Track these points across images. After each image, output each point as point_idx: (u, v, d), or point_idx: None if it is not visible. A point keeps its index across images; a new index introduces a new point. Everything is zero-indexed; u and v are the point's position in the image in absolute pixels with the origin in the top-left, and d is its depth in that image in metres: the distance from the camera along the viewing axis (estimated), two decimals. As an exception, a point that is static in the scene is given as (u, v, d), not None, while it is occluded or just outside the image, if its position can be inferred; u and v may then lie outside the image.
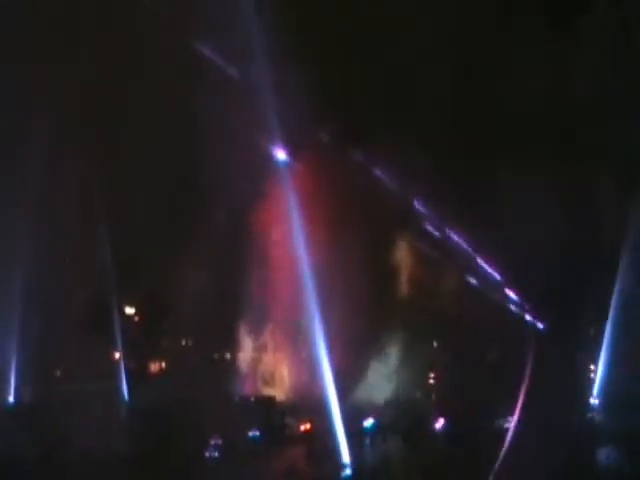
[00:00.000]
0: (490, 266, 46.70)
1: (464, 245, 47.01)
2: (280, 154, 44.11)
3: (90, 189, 46.20)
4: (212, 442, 39.88)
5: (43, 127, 44.89)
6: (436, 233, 47.40)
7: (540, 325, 45.73)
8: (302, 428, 43.81)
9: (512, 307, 46.62)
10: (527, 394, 41.20)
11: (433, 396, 46.84)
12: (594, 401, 44.12)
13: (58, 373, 47.59)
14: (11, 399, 45.52)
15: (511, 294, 46.68)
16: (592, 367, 44.89)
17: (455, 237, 47.20)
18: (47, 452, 36.77)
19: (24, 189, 45.78)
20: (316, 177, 43.95)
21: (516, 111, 42.98)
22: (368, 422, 43.86)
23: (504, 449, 37.14)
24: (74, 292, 48.54)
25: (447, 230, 47.18)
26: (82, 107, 43.46)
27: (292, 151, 44.34)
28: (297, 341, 47.16)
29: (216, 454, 39.63)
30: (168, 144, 43.32)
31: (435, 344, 47.71)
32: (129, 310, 51.82)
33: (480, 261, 46.90)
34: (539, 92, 42.40)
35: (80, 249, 46.00)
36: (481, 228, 44.33)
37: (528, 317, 46.19)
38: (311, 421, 43.39)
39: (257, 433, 42.50)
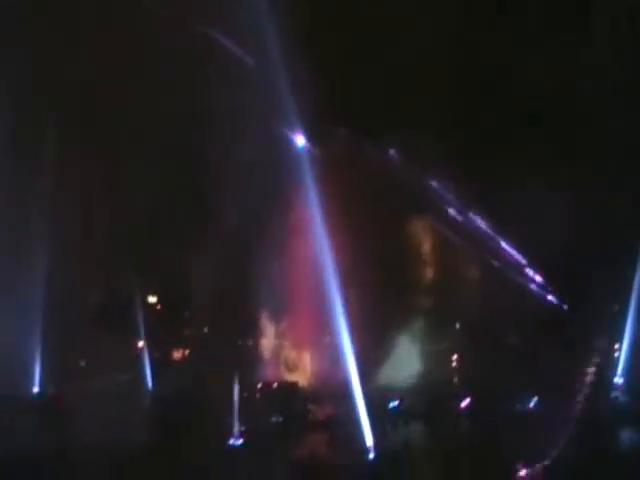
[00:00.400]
0: (511, 249, 46.55)
1: (485, 229, 46.90)
2: (300, 144, 44.17)
3: (108, 181, 46.39)
4: (235, 429, 39.83)
5: (54, 123, 45.15)
6: (457, 217, 47.35)
7: (562, 306, 45.52)
8: (324, 413, 43.96)
9: (534, 289, 46.45)
10: (550, 375, 41.02)
11: (455, 379, 46.88)
12: (618, 380, 43.90)
13: (82, 364, 47.90)
14: (35, 390, 45.97)
15: (533, 276, 46.51)
16: (616, 347, 44.67)
17: (476, 221, 47.08)
18: (71, 443, 36.79)
19: (41, 184, 46.18)
20: (336, 166, 43.96)
21: (537, 95, 42.76)
22: (391, 406, 44.04)
23: (527, 432, 36.85)
24: (96, 283, 49.03)
25: (468, 214, 47.08)
26: (95, 103, 43.64)
27: (312, 142, 44.41)
28: (319, 327, 47.17)
29: (239, 441, 39.67)
30: (187, 135, 43.39)
31: (457, 327, 47.69)
32: (151, 299, 52.15)
33: (502, 244, 46.76)
34: (558, 76, 42.11)
35: (101, 240, 46.26)
36: (502, 211, 44.17)
37: (550, 299, 46.00)
38: (333, 406, 43.50)
39: (280, 419, 42.57)
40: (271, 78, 41.54)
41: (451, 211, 47.26)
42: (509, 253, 46.67)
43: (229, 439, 39.82)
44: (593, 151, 42.11)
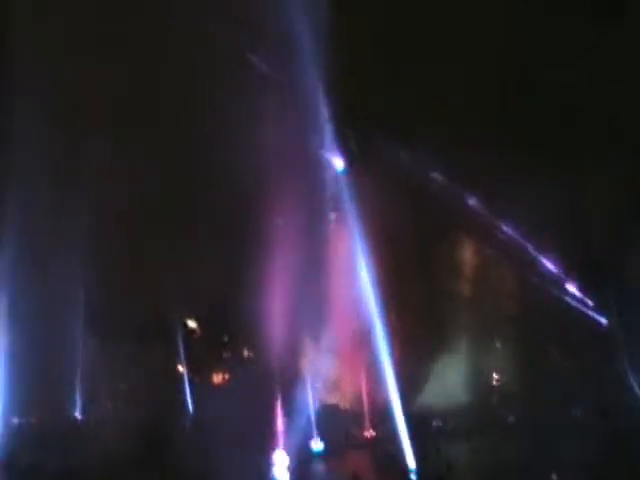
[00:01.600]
0: (551, 262, 46.01)
1: (523, 241, 46.40)
2: (338, 165, 44.10)
3: (149, 203, 46.62)
4: (276, 454, 39.46)
5: (95, 142, 45.49)
6: (495, 230, 46.86)
7: (603, 320, 44.82)
8: (366, 435, 43.59)
9: (575, 304, 45.80)
10: (592, 390, 40.42)
11: (497, 397, 46.35)
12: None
13: (123, 387, 48.12)
14: (78, 415, 46.16)
15: (573, 290, 45.90)
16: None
17: (514, 233, 46.60)
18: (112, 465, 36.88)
19: (81, 204, 46.46)
20: (370, 180, 43.74)
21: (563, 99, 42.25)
22: (433, 425, 43.65)
23: (575, 447, 36.22)
24: (136, 307, 49.23)
25: (506, 227, 46.60)
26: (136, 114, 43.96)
27: (344, 155, 44.29)
28: (359, 346, 46.90)
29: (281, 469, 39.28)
30: (223, 154, 43.44)
31: (498, 344, 47.20)
32: (191, 324, 52.29)
33: (540, 257, 46.24)
34: (585, 81, 41.58)
35: (141, 265, 46.45)
36: (539, 223, 43.72)
37: (590, 313, 45.35)
38: (375, 427, 43.18)
39: (320, 442, 42.26)
40: (309, 98, 41.72)
41: (489, 224, 46.82)
42: (549, 266, 46.14)
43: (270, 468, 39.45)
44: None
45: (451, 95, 43.07)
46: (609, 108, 41.43)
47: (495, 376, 47.24)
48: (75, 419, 46.18)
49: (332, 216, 45.21)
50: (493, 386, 47.06)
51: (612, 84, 41.11)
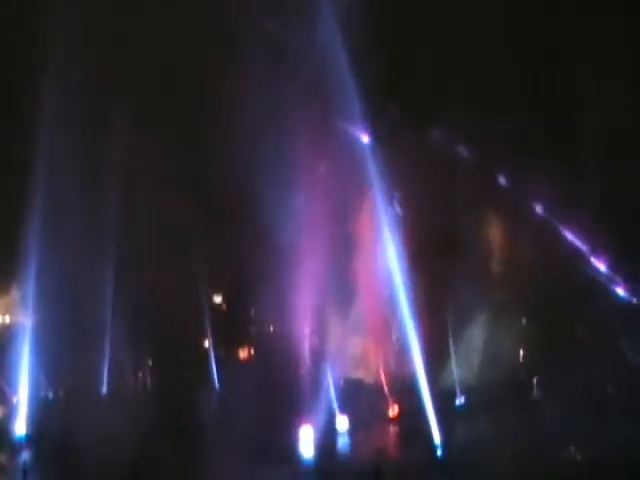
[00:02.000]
0: (579, 238, 45.68)
1: (551, 217, 46.07)
2: (364, 140, 43.88)
3: (178, 185, 46.80)
4: (302, 429, 39.53)
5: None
6: (523, 206, 46.54)
7: (632, 297, 44.50)
8: (391, 410, 43.62)
9: (602, 280, 45.48)
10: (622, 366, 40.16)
11: (522, 373, 46.19)
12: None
13: (150, 362, 48.42)
14: (104, 390, 46.47)
15: (601, 266, 45.57)
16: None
17: (542, 209, 46.27)
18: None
19: (111, 189, 46.70)
20: (397, 158, 43.53)
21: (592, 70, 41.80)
22: (458, 400, 43.65)
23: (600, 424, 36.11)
24: (163, 283, 49.40)
25: (534, 202, 46.28)
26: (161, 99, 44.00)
27: (371, 133, 44.06)
28: (385, 322, 46.89)
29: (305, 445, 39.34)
30: (249, 133, 43.43)
31: (524, 320, 46.98)
32: (217, 299, 52.45)
33: (568, 232, 45.92)
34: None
35: (169, 241, 46.58)
36: (568, 200, 43.38)
37: (619, 289, 45.02)
38: (400, 403, 43.19)
39: (346, 418, 42.29)
40: (334, 74, 41.53)
41: (519, 200, 46.51)
42: (577, 243, 45.81)
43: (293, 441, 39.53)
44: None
45: (481, 71, 42.84)
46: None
47: (522, 352, 47.08)
48: (101, 393, 46.45)
49: (361, 192, 44.95)
50: (520, 362, 46.86)
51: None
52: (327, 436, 40.05)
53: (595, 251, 45.43)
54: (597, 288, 44.76)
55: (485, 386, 43.88)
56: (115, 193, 46.50)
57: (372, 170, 41.95)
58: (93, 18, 42.51)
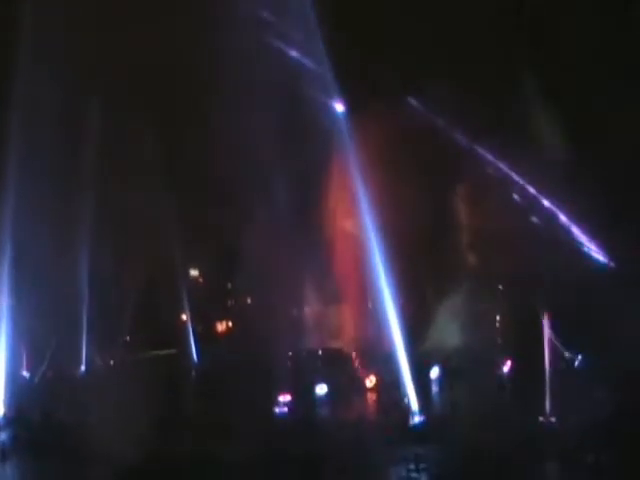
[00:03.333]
0: (557, 208, 45.84)
1: (529, 189, 46.18)
2: (338, 110, 43.71)
3: (154, 165, 46.73)
4: (281, 398, 39.92)
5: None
6: (502, 178, 46.61)
7: (610, 265, 44.69)
8: (370, 379, 43.93)
9: (581, 249, 45.67)
10: (598, 337, 40.38)
11: (499, 340, 46.50)
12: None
13: (127, 339, 48.44)
14: (83, 368, 46.50)
15: (578, 235, 45.77)
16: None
17: (522, 182, 46.35)
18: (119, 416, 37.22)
19: (87, 167, 46.55)
20: (374, 127, 43.46)
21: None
22: (435, 370, 43.96)
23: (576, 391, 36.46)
24: (138, 259, 49.39)
25: (514, 176, 46.35)
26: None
27: (349, 102, 43.89)
28: (362, 293, 47.08)
29: (285, 409, 39.77)
30: (227, 108, 43.21)
31: (500, 288, 47.25)
32: (193, 272, 52.45)
33: (546, 204, 46.07)
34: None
35: (144, 215, 46.53)
36: (547, 170, 43.49)
37: (598, 258, 45.23)
38: (378, 372, 43.48)
39: (325, 386, 42.60)
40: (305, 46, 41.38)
41: (494, 172, 46.58)
42: (555, 212, 45.96)
43: (275, 408, 39.90)
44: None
45: (460, 41, 42.75)
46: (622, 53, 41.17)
47: (497, 319, 47.41)
48: (79, 372, 46.47)
49: (334, 165, 44.92)
50: (496, 329, 47.17)
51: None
52: (306, 403, 40.51)
53: (576, 221, 45.60)
54: (576, 255, 45.03)
55: (462, 355, 44.25)
56: (90, 174, 46.43)
57: (348, 145, 41.89)
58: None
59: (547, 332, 37.98)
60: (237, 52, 41.68)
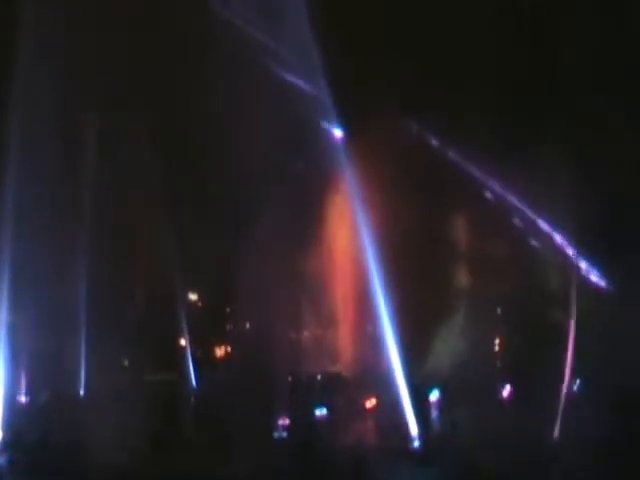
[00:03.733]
0: (552, 228, 45.92)
1: (527, 210, 46.27)
2: (337, 135, 43.91)
3: (154, 178, 46.73)
4: (280, 422, 39.81)
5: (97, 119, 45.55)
6: (498, 198, 46.72)
7: (606, 287, 44.72)
8: (369, 403, 43.77)
9: (578, 271, 45.70)
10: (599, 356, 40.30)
11: (499, 363, 46.37)
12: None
13: (126, 363, 48.22)
14: (82, 391, 46.28)
15: (576, 257, 45.79)
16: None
17: (518, 202, 46.46)
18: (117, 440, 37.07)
19: (84, 180, 46.53)
20: (372, 151, 43.63)
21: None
22: (434, 394, 43.81)
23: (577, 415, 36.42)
24: (137, 282, 49.32)
25: (510, 195, 46.46)
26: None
27: (348, 131, 44.10)
28: (360, 316, 47.03)
29: (285, 434, 39.66)
30: (223, 132, 43.33)
31: (499, 311, 47.18)
32: (192, 296, 52.29)
33: (541, 223, 46.15)
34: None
35: (142, 239, 46.53)
36: (544, 192, 43.57)
37: (593, 279, 45.27)
38: (377, 396, 43.34)
39: (324, 410, 42.44)
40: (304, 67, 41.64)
41: (495, 193, 46.68)
42: (551, 233, 46.02)
43: (274, 433, 39.77)
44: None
45: (453, 61, 42.95)
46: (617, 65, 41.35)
47: (497, 342, 47.29)
48: (78, 395, 46.22)
49: (332, 188, 45.05)
50: (495, 353, 47.06)
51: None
52: (306, 427, 40.37)
53: (572, 242, 45.67)
54: (574, 277, 45.03)
55: (461, 378, 44.10)
56: (90, 190, 46.50)
57: (346, 169, 42.05)
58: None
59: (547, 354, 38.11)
60: (233, 74, 42.06)
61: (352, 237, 42.91)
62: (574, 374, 41.69)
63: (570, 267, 45.13)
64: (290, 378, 46.15)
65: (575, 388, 41.52)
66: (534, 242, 45.73)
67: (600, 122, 40.87)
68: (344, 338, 48.75)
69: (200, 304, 52.71)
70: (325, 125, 44.01)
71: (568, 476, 31.11)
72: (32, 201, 41.62)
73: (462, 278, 46.68)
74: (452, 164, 46.04)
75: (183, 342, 49.62)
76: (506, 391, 44.25)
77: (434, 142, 46.25)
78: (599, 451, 31.54)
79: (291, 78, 43.53)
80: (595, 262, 44.74)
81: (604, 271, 44.62)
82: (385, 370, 40.27)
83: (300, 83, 43.33)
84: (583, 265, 45.36)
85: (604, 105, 41.03)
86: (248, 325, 51.69)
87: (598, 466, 30.69)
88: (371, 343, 45.00)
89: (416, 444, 36.76)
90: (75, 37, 41.29)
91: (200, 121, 42.27)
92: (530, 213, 45.90)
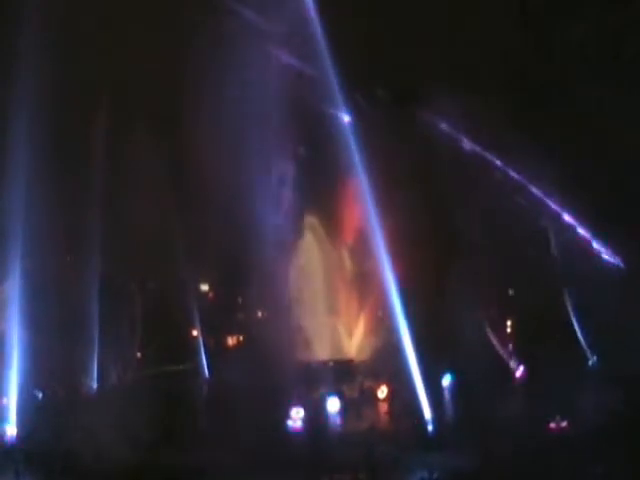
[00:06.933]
0: (566, 212, 45.70)
1: (535, 188, 46.06)
2: (343, 118, 43.69)
3: (164, 172, 46.74)
4: (293, 411, 39.67)
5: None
6: (505, 176, 46.52)
7: (620, 268, 44.48)
8: (380, 392, 43.64)
9: (590, 249, 45.48)
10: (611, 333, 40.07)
11: (510, 346, 46.27)
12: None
13: (139, 355, 48.39)
14: (95, 385, 46.41)
15: (588, 236, 45.58)
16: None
17: (525, 180, 46.25)
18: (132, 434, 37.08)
19: (98, 176, 46.57)
20: (378, 136, 43.42)
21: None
22: (447, 378, 43.69)
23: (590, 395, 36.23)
24: (149, 274, 49.44)
25: (516, 173, 46.25)
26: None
27: (354, 114, 43.88)
28: (372, 303, 47.00)
29: (298, 423, 39.50)
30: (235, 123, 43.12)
31: (511, 292, 47.06)
32: (203, 287, 52.39)
33: (554, 205, 45.92)
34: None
35: (154, 231, 46.53)
36: (552, 170, 43.34)
37: (607, 257, 45.05)
38: (389, 381, 43.24)
39: (337, 397, 42.30)
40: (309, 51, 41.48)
41: (501, 171, 46.49)
42: (562, 216, 45.81)
43: (287, 421, 39.66)
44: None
45: (458, 50, 42.76)
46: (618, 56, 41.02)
47: (509, 323, 47.19)
48: (91, 390, 46.37)
49: (340, 172, 44.88)
50: (507, 334, 46.95)
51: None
52: (318, 415, 40.24)
53: (582, 219, 45.45)
54: (587, 257, 44.85)
55: (474, 362, 43.93)
56: (100, 188, 46.56)
57: (353, 152, 41.83)
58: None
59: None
60: (241, 65, 41.92)
61: (365, 224, 42.72)
62: (587, 354, 41.70)
63: (585, 250, 44.97)
64: (302, 366, 46.10)
65: (590, 366, 41.45)
66: (547, 225, 45.50)
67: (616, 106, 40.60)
68: (355, 324, 48.79)
69: (211, 294, 52.87)
70: (334, 112, 43.88)
71: (579, 458, 30.84)
72: (42, 200, 41.66)
73: (475, 262, 46.41)
74: (460, 144, 45.93)
75: (195, 332, 49.75)
76: (519, 371, 44.08)
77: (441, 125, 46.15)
78: (611, 431, 31.31)
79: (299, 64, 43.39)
80: (609, 244, 44.55)
81: (618, 253, 44.41)
82: (398, 356, 40.00)
83: (308, 70, 43.19)
84: (598, 247, 45.17)
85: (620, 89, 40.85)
86: (260, 314, 51.80)
87: (610, 447, 30.45)
88: (383, 329, 44.97)
89: (429, 428, 36.54)
90: (76, 35, 41.53)
91: (208, 113, 42.27)
92: (544, 197, 45.68)
